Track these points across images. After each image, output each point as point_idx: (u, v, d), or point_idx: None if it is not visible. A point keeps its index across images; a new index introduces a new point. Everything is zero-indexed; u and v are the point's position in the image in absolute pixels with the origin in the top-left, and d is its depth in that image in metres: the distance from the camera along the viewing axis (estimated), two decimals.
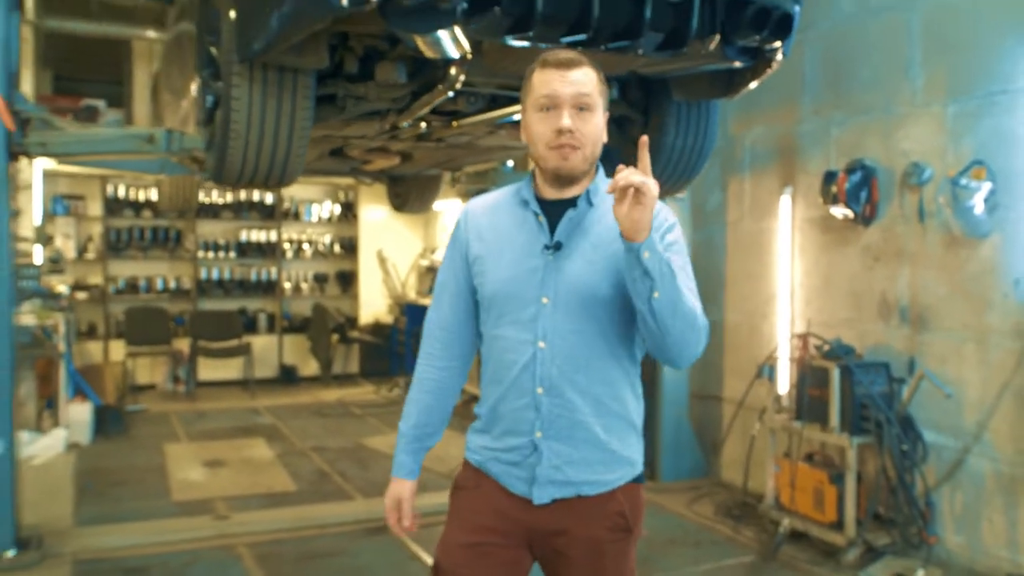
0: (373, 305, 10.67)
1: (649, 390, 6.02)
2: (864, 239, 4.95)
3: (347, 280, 10.76)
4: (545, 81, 1.81)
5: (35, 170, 7.38)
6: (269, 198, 10.27)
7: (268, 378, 10.09)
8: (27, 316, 6.69)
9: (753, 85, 3.53)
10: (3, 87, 4.34)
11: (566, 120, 1.78)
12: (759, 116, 5.73)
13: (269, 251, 10.32)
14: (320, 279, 10.67)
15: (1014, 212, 4.17)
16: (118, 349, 9.32)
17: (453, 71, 3.35)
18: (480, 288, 1.94)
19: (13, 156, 4.40)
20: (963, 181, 4.25)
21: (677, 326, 1.70)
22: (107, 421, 7.44)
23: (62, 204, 9.43)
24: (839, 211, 4.87)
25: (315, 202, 10.59)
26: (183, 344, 9.54)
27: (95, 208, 9.60)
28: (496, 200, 1.99)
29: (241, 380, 9.64)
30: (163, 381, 9.57)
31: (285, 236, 10.41)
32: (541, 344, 1.83)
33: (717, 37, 2.97)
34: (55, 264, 8.04)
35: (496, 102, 4.01)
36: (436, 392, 2.05)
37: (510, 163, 7.04)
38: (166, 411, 8.52)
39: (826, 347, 4.71)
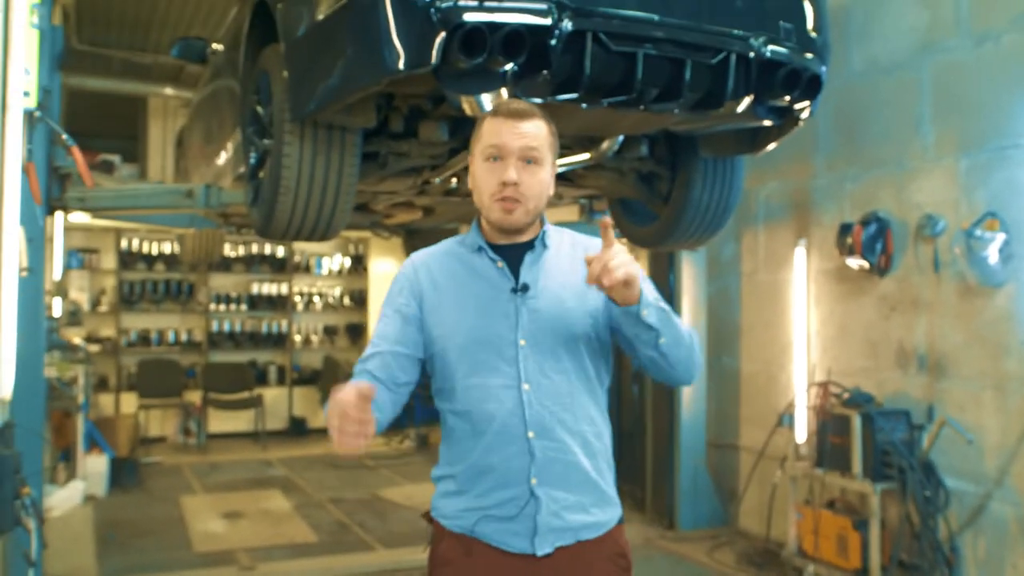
0: None
1: (666, 439, 6.10)
2: (880, 289, 5.07)
3: (357, 332, 10.83)
4: (494, 131, 1.82)
5: (57, 224, 7.48)
6: (280, 251, 10.40)
7: (278, 430, 10.10)
8: (48, 368, 6.75)
9: (778, 142, 3.67)
10: (47, 145, 4.48)
11: (511, 174, 1.79)
12: (772, 171, 5.89)
13: (280, 304, 10.42)
14: (330, 331, 10.75)
15: None
16: (130, 401, 9.35)
17: None
18: (442, 342, 1.84)
19: (51, 210, 4.52)
20: (977, 232, 4.39)
21: (683, 354, 1.79)
22: (122, 473, 7.45)
23: (77, 257, 9.53)
24: (855, 262, 5.00)
25: (325, 255, 10.72)
26: (194, 396, 9.58)
27: (109, 261, 9.71)
28: (443, 250, 1.96)
29: (252, 432, 9.66)
30: (174, 433, 9.59)
31: (296, 289, 10.51)
32: (526, 386, 1.79)
33: (751, 98, 3.11)
34: (74, 316, 8.12)
35: None
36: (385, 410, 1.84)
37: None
38: (179, 463, 8.54)
39: (846, 395, 4.80)
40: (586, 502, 1.83)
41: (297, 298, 10.51)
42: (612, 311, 1.79)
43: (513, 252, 1.88)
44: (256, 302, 10.31)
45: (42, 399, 4.49)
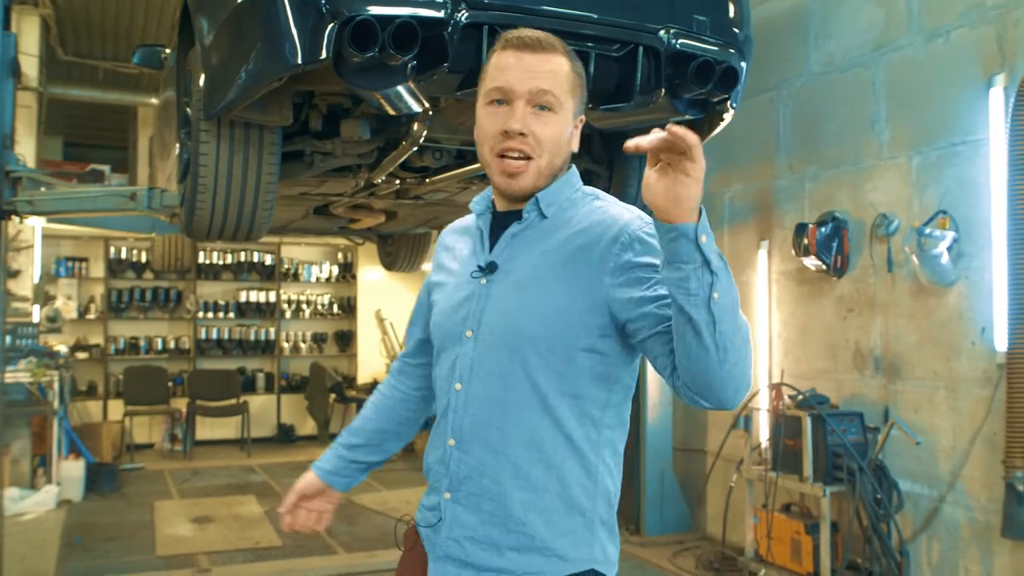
0: (371, 365, 10.71)
1: (632, 445, 6.04)
2: (838, 290, 5.01)
3: (345, 340, 10.85)
4: (500, 67, 1.45)
5: (36, 231, 7.56)
6: (268, 259, 10.45)
7: (266, 437, 10.12)
8: (23, 374, 6.80)
9: (707, 138, 3.63)
10: None
11: (515, 121, 1.42)
12: (737, 173, 5.85)
13: (268, 311, 10.45)
14: (319, 339, 10.76)
15: (977, 260, 4.23)
16: (117, 408, 9.40)
17: (415, 127, 3.48)
18: (432, 308, 1.63)
19: (3, 215, 4.54)
20: (927, 231, 4.32)
21: (739, 339, 1.27)
22: (100, 478, 7.48)
23: (65, 266, 9.61)
24: (811, 262, 4.95)
25: (314, 263, 10.75)
26: (181, 403, 9.61)
27: (98, 270, 9.78)
28: (465, 220, 1.66)
29: (239, 439, 9.67)
30: (161, 440, 9.62)
31: (284, 296, 10.55)
32: (457, 386, 1.47)
33: (663, 91, 3.08)
34: (52, 323, 8.18)
35: (463, 158, 4.13)
36: (378, 408, 1.80)
37: None
38: (161, 469, 8.56)
39: (800, 397, 4.74)
40: (501, 542, 1.42)
41: (285, 306, 10.55)
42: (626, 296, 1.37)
43: (507, 221, 1.51)
44: (244, 310, 10.36)
45: None
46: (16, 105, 7.27)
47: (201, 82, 3.22)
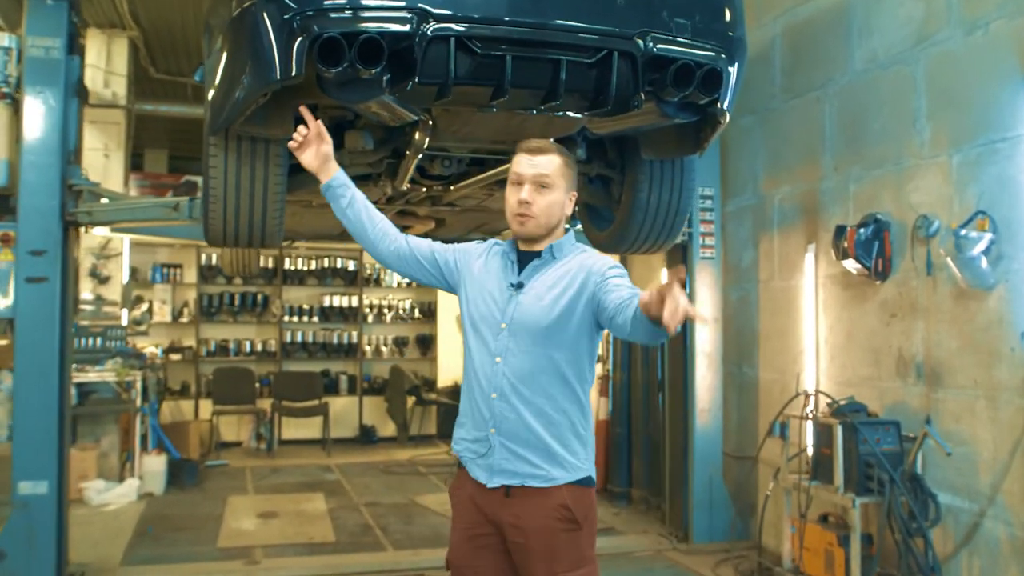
0: (451, 368, 10.89)
1: (681, 449, 5.98)
2: (881, 294, 4.84)
3: (426, 343, 11.08)
4: (516, 161, 2.41)
5: (124, 241, 8.04)
6: (352, 265, 10.77)
7: (347, 438, 10.45)
8: (109, 373, 7.26)
9: (710, 140, 3.59)
10: (61, 163, 4.87)
11: (524, 194, 2.35)
12: (786, 175, 5.72)
13: (351, 315, 10.78)
14: (400, 343, 11.03)
15: (1017, 263, 4.02)
16: (208, 408, 9.87)
17: (416, 136, 3.58)
18: (465, 308, 2.46)
19: (66, 225, 4.89)
20: (964, 232, 4.14)
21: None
22: (182, 473, 7.89)
23: (161, 272, 10.16)
24: (850, 265, 4.80)
25: None
26: (267, 404, 10.01)
27: (190, 275, 10.31)
28: (490, 249, 2.54)
29: (321, 439, 10.01)
30: (248, 439, 10.05)
31: (366, 301, 10.86)
32: (498, 359, 2.32)
33: (641, 95, 3.07)
34: (138, 326, 8.67)
35: (481, 165, 4.20)
36: (369, 210, 2.62)
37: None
38: (244, 466, 8.95)
39: (836, 405, 4.60)
40: (533, 457, 2.29)
41: (368, 310, 10.86)
42: (617, 315, 2.19)
43: (528, 257, 2.42)
44: (328, 314, 10.72)
45: (55, 402, 4.81)
46: (105, 122, 7.82)
47: (208, 98, 3.41)
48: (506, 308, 2.36)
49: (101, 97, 7.89)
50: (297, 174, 3.92)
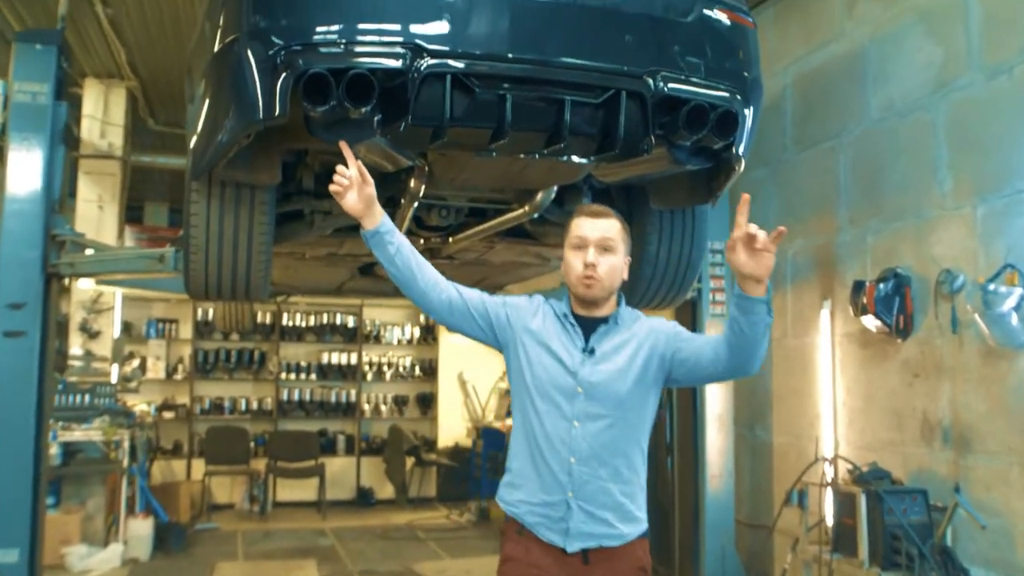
0: (452, 428, 10.59)
1: (690, 516, 5.67)
2: (902, 353, 4.58)
3: (427, 402, 10.78)
4: (578, 225, 2.37)
5: (117, 294, 7.84)
6: (351, 321, 10.55)
7: (344, 500, 10.09)
8: (95, 432, 6.98)
9: (724, 188, 3.37)
10: (44, 213, 4.67)
11: (591, 256, 2.31)
12: (799, 228, 5.51)
13: (350, 373, 10.51)
14: (400, 401, 10.74)
15: None
16: (201, 468, 9.54)
17: (412, 184, 3.37)
18: (529, 371, 2.36)
19: (48, 277, 4.67)
20: (992, 287, 3.90)
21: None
22: (170, 538, 7.53)
23: (156, 327, 9.93)
24: (870, 322, 4.56)
25: (396, 325, 10.79)
26: (261, 464, 9.69)
27: (186, 331, 10.07)
28: (541, 307, 2.45)
29: (317, 501, 9.66)
30: (241, 500, 9.70)
31: (366, 358, 10.60)
32: (576, 424, 2.28)
33: (652, 139, 2.86)
34: (129, 383, 8.41)
35: (479, 216, 3.99)
36: (417, 256, 2.43)
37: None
38: (235, 530, 8.59)
39: (857, 472, 4.32)
40: (610, 517, 2.28)
41: (367, 367, 10.59)
42: (735, 307, 2.13)
43: (588, 323, 2.37)
44: (326, 371, 10.45)
45: (30, 464, 4.54)
46: (100, 173, 7.67)
47: (190, 143, 3.22)
48: (579, 373, 2.31)
49: (97, 148, 7.75)
50: (285, 223, 3.73)
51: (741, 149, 3.06)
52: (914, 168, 4.59)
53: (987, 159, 4.14)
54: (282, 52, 2.55)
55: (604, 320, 2.37)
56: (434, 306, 2.43)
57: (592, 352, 2.32)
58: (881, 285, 4.49)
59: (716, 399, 5.76)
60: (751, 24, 3.11)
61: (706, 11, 2.98)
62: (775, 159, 5.78)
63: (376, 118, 2.66)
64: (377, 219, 2.38)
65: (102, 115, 7.80)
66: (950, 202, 4.34)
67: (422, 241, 4.31)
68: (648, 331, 2.37)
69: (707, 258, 5.56)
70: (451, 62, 2.60)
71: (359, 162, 2.39)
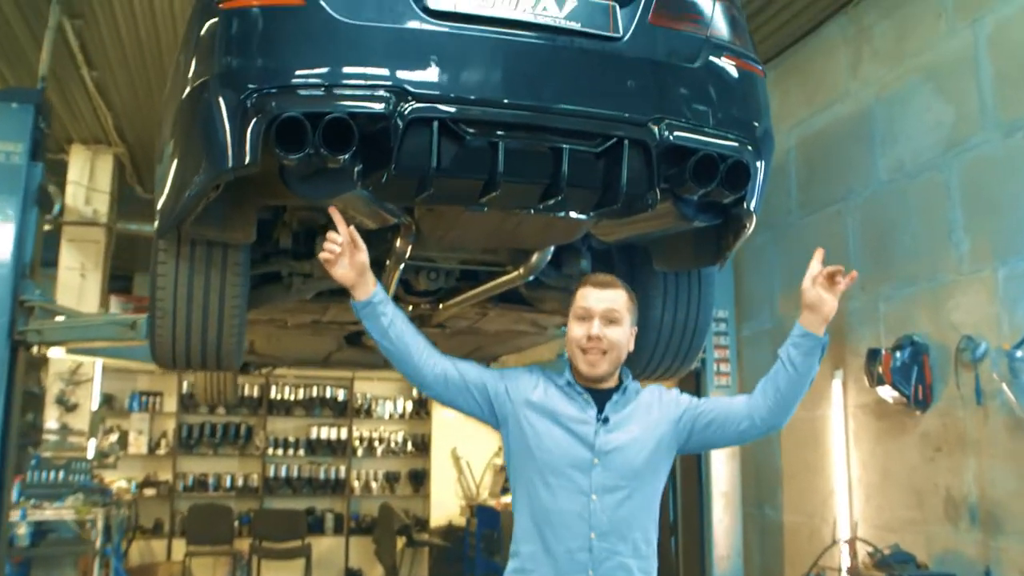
0: (445, 506, 10.16)
1: None
2: (922, 426, 4.31)
3: (419, 479, 10.40)
4: (583, 296, 2.27)
5: (96, 365, 7.55)
6: (341, 394, 10.25)
7: None
8: (67, 511, 6.62)
9: (734, 247, 3.14)
10: (14, 277, 4.44)
11: (596, 329, 2.21)
12: None
13: (339, 448, 10.16)
14: (391, 478, 10.36)
15: None
16: (182, 548, 9.12)
17: (398, 244, 3.13)
18: (534, 444, 2.21)
19: (15, 344, 4.41)
20: (1020, 354, 3.66)
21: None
22: None
23: (139, 400, 9.62)
24: (887, 393, 4.30)
25: (387, 398, 10.48)
26: (245, 544, 9.27)
27: (170, 404, 9.75)
28: (541, 379, 2.32)
29: None
30: None
31: (356, 433, 10.26)
32: (594, 497, 2.15)
33: (656, 192, 2.64)
34: (106, 458, 8.05)
35: (474, 279, 3.75)
36: (411, 328, 2.30)
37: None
38: None
39: (879, 555, 4.00)
40: None
41: (357, 443, 10.24)
42: (789, 350, 2.17)
43: (598, 393, 2.25)
44: (315, 447, 10.10)
45: None
46: (84, 240, 7.47)
47: (158, 200, 2.99)
48: (595, 444, 2.20)
49: (81, 214, 7.55)
50: (261, 286, 3.49)
51: (752, 204, 2.82)
52: (927, 231, 4.39)
53: (1006, 219, 3.94)
54: (254, 95, 2.33)
55: (613, 390, 2.27)
56: (428, 381, 2.29)
57: (607, 421, 2.22)
58: (897, 354, 4.25)
59: (722, 476, 5.48)
60: (761, 72, 2.92)
61: (713, 57, 2.78)
62: (779, 223, 5.58)
63: (357, 168, 2.44)
64: (370, 288, 2.24)
65: (88, 181, 7.63)
66: (967, 265, 4.12)
67: (411, 308, 4.06)
68: (659, 398, 2.30)
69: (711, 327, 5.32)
70: (439, 106, 2.38)
71: (351, 227, 2.23)
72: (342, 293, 3.77)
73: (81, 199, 7.59)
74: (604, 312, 2.23)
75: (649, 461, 2.22)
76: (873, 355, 4.35)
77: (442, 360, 2.31)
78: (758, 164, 2.78)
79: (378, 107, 2.33)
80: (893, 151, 4.65)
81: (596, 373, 2.23)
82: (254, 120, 2.31)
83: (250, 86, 2.36)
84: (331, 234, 2.22)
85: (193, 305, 3.05)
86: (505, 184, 2.47)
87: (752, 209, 2.85)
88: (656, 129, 2.58)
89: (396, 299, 3.82)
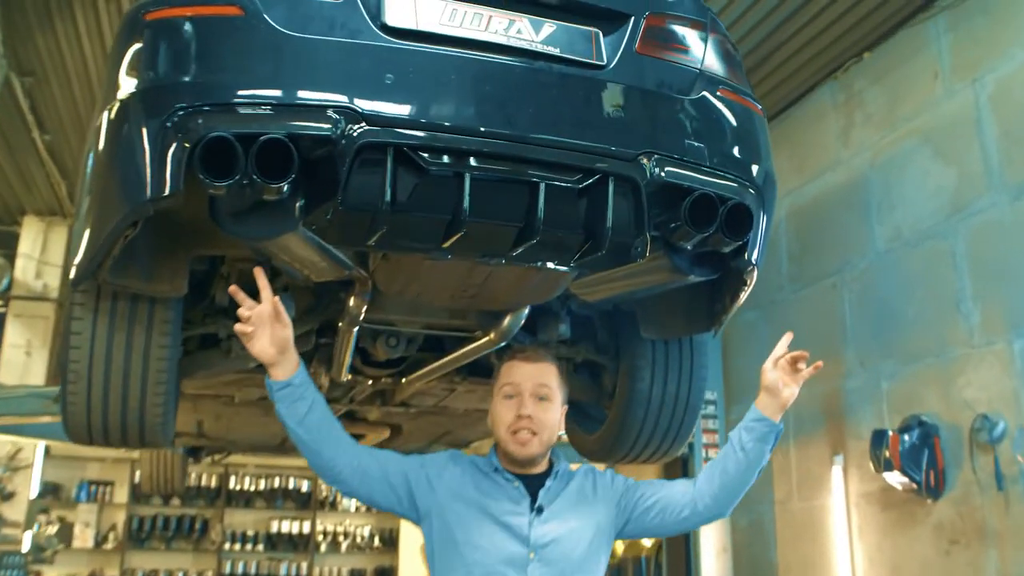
0: None
1: None
2: (935, 516, 3.92)
3: None
4: (510, 370, 2.04)
5: (37, 450, 7.03)
6: (305, 485, 9.72)
7: None
8: None
9: (731, 311, 2.79)
10: None
11: (526, 408, 1.99)
12: None
13: (302, 544, 9.59)
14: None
15: None
16: None
17: (351, 302, 2.75)
18: (463, 541, 1.98)
19: None
20: None
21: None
22: None
23: (87, 490, 9.04)
24: (896, 479, 3.93)
25: None
26: None
27: (121, 495, 9.16)
28: (468, 466, 2.08)
29: None
30: None
31: (320, 527, 9.71)
32: None
33: (647, 237, 2.29)
34: (42, 552, 7.43)
35: (440, 349, 3.36)
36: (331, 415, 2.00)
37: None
38: None
39: None
40: None
41: (321, 537, 9.66)
42: (743, 437, 1.98)
43: (528, 480, 2.03)
44: (276, 541, 9.52)
45: None
46: (32, 316, 7.05)
47: (76, 247, 2.61)
48: (530, 537, 1.97)
49: (31, 289, 7.15)
50: (196, 351, 3.08)
51: (754, 255, 2.49)
52: (932, 302, 4.08)
53: (1019, 287, 3.66)
54: (179, 113, 1.99)
55: (544, 475, 2.06)
56: (343, 475, 2.00)
57: (541, 511, 2.00)
58: (905, 436, 3.88)
59: (712, 572, 5.01)
60: (760, 111, 2.62)
61: (708, 92, 2.48)
62: (768, 300, 5.27)
63: (298, 204, 2.08)
64: (292, 368, 1.94)
65: (39, 254, 7.26)
66: (979, 338, 3.80)
67: (370, 382, 3.64)
68: (595, 482, 2.11)
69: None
70: (394, 130, 2.04)
71: (277, 299, 1.91)
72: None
73: (32, 273, 7.20)
74: (534, 388, 2.03)
75: (589, 552, 2.02)
76: (879, 437, 3.99)
77: (359, 450, 2.05)
78: (760, 210, 2.45)
79: (323, 129, 1.99)
80: (891, 219, 4.38)
81: (527, 455, 2.02)
82: (176, 142, 1.97)
83: (175, 104, 2.02)
84: (241, 310, 1.90)
85: (112, 369, 2.64)
86: (472, 224, 2.11)
87: (754, 261, 2.51)
88: (646, 164, 2.26)
89: (354, 370, 3.45)
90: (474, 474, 2.08)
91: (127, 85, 2.13)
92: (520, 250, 2.23)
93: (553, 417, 2.05)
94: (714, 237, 2.31)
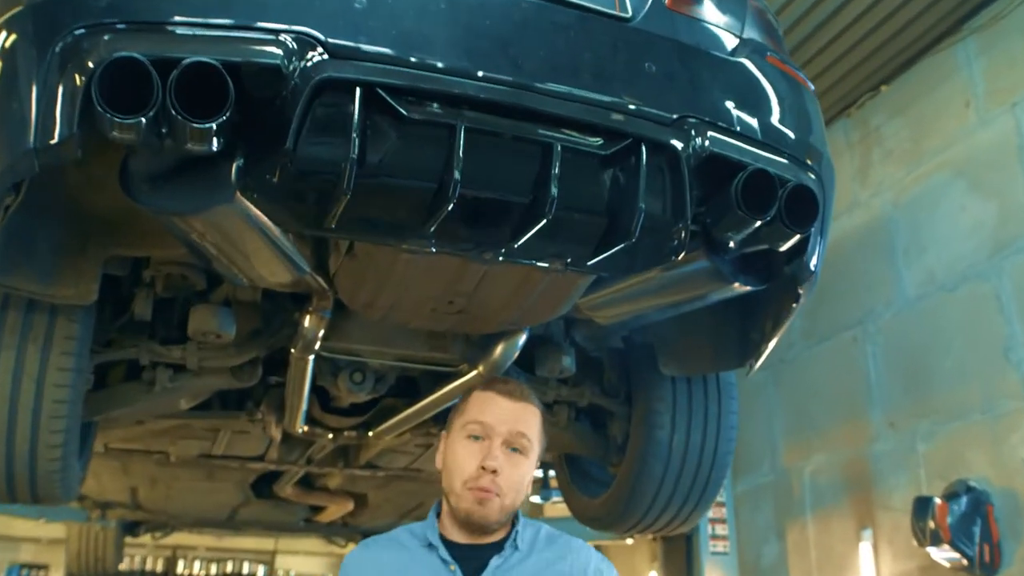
0: None
1: None
2: None
3: None
4: (481, 406, 1.56)
5: None
6: (260, 571, 9.07)
7: None
8: None
9: (774, 338, 2.30)
10: None
11: (495, 459, 1.51)
12: (817, 440, 4.57)
13: None
14: None
15: None
16: None
17: (307, 321, 2.21)
18: None
19: None
20: None
21: None
22: None
23: (19, 574, 8.31)
24: (942, 555, 3.49)
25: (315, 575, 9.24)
26: None
27: None
28: (394, 540, 1.60)
29: None
30: None
31: None
32: None
33: (687, 225, 1.79)
34: None
35: (415, 392, 2.81)
36: None
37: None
38: None
39: None
40: None
41: None
42: None
43: (475, 553, 1.53)
44: None
45: None
46: None
47: None
48: None
49: None
50: (113, 382, 2.52)
51: (814, 260, 2.02)
52: (975, 351, 3.70)
53: None
54: (74, 33, 1.50)
55: (495, 547, 1.55)
56: None
57: None
58: (953, 504, 3.37)
59: None
60: (811, 87, 2.19)
61: (754, 58, 2.04)
62: (778, 358, 4.84)
63: (235, 164, 1.58)
64: None
65: None
66: None
67: (331, 436, 3.06)
68: (547, 542, 1.61)
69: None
70: (364, 63, 1.55)
71: None
72: (236, 404, 2.84)
73: None
74: (509, 436, 1.54)
75: None
76: (923, 506, 3.51)
77: None
78: (822, 199, 1.98)
79: (270, 56, 1.51)
80: (921, 262, 4.01)
81: (482, 518, 1.52)
82: (72, 70, 1.48)
83: (73, 23, 1.53)
84: None
85: None
86: (464, 197, 1.61)
87: (813, 267, 2.05)
88: (688, 131, 1.78)
89: (311, 421, 2.89)
90: (396, 561, 1.59)
91: (10, 3, 1.65)
92: (525, 238, 1.72)
93: (525, 478, 1.58)
94: (771, 228, 1.83)
